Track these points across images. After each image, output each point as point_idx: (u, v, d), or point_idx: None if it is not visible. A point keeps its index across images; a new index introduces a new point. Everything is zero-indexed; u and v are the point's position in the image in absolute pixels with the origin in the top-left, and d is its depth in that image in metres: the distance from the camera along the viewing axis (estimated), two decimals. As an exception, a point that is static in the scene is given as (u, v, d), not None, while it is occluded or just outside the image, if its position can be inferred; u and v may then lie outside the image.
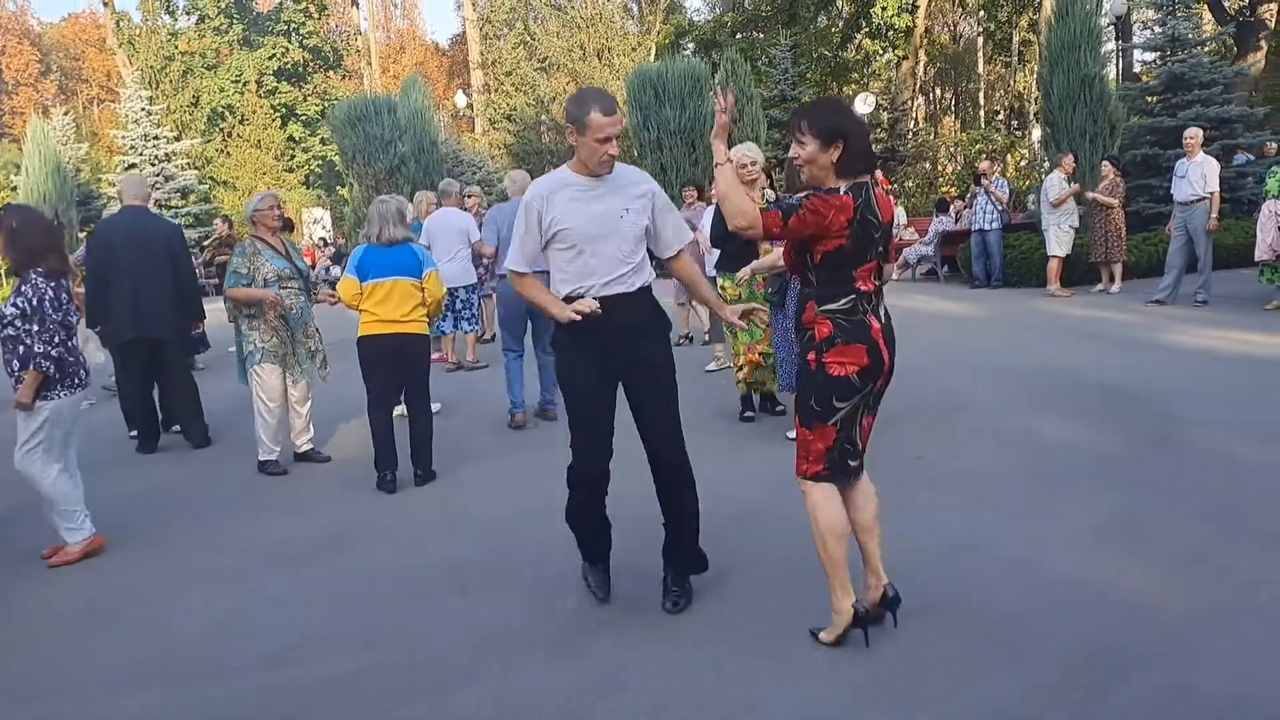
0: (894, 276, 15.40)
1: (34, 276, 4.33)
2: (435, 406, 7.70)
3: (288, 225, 10.86)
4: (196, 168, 30.17)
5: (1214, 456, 5.05)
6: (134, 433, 7.26)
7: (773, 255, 5.57)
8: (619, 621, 3.56)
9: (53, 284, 4.38)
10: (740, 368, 6.40)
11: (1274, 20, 24.64)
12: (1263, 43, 23.89)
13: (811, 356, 3.06)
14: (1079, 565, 3.76)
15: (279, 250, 6.01)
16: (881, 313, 3.12)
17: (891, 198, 3.15)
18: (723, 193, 3.10)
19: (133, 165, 25.81)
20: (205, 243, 15.06)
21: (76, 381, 4.49)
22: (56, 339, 4.35)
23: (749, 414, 6.56)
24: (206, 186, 30.19)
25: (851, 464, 3.22)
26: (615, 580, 3.79)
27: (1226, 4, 24.32)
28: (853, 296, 3.03)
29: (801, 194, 3.03)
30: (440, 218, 8.92)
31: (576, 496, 3.62)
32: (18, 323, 4.26)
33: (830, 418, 3.07)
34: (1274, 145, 9.54)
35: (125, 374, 6.85)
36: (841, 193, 2.97)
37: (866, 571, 3.30)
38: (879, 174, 21.88)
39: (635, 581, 3.81)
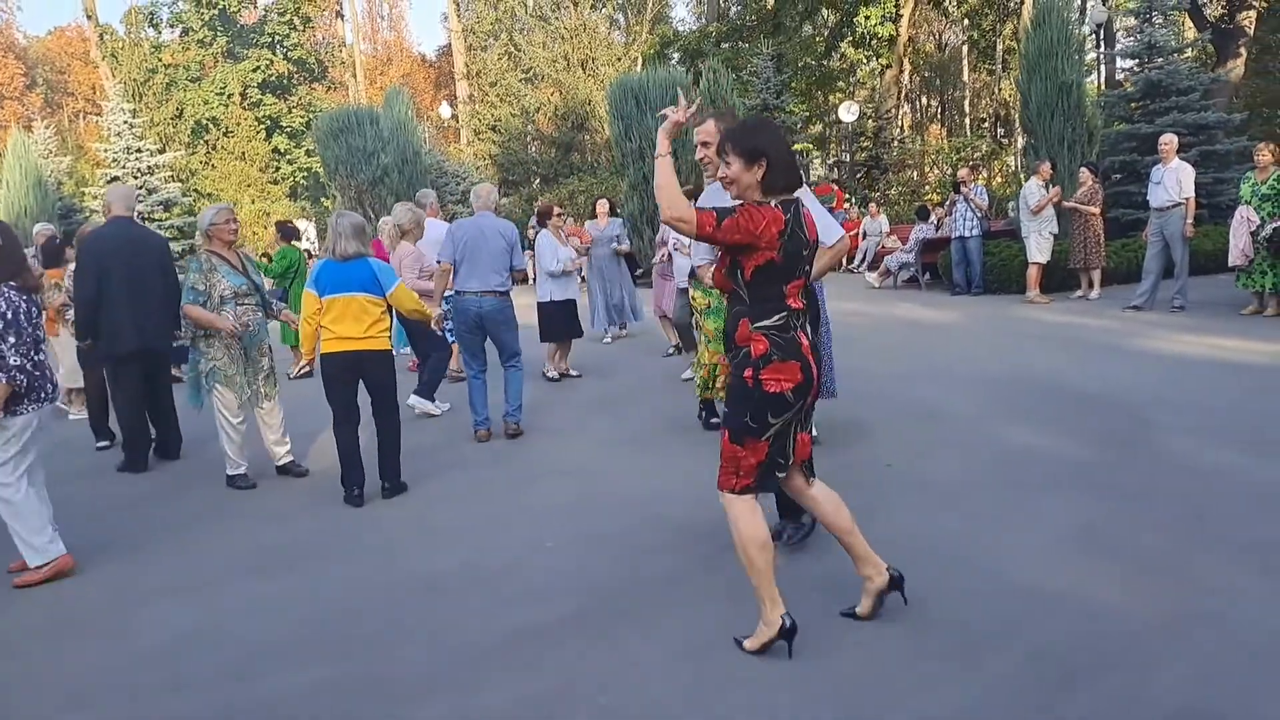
0: (875, 285, 15.45)
1: (8, 290, 4.31)
2: (445, 407, 7.79)
3: (293, 234, 10.87)
4: (180, 180, 30.08)
5: (1184, 464, 5.06)
6: (103, 444, 7.21)
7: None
8: (581, 635, 3.54)
9: (25, 298, 4.37)
10: (699, 368, 6.32)
11: (1253, 27, 24.84)
12: (1242, 49, 24.08)
13: (748, 373, 3.09)
14: (1043, 573, 3.76)
15: (235, 266, 5.92)
16: (809, 332, 3.20)
17: (811, 215, 3.21)
18: (660, 184, 3.14)
19: (116, 178, 25.66)
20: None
21: (44, 395, 4.46)
22: (31, 352, 4.34)
23: (716, 419, 6.55)
24: (190, 199, 30.09)
25: (779, 475, 3.28)
26: (580, 594, 3.77)
27: (1206, 11, 24.51)
28: (784, 313, 3.10)
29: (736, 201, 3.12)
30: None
31: None
32: None
33: (764, 433, 3.13)
34: (1269, 153, 9.53)
35: (119, 387, 6.72)
36: (773, 206, 3.06)
37: (861, 564, 3.41)
38: (835, 188, 22.05)
39: (604, 596, 3.80)
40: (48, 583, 4.48)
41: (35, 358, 4.41)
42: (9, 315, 4.25)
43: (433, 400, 7.73)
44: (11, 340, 4.25)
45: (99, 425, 7.36)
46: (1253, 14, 24.87)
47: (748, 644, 3.27)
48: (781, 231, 3.01)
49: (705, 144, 4.34)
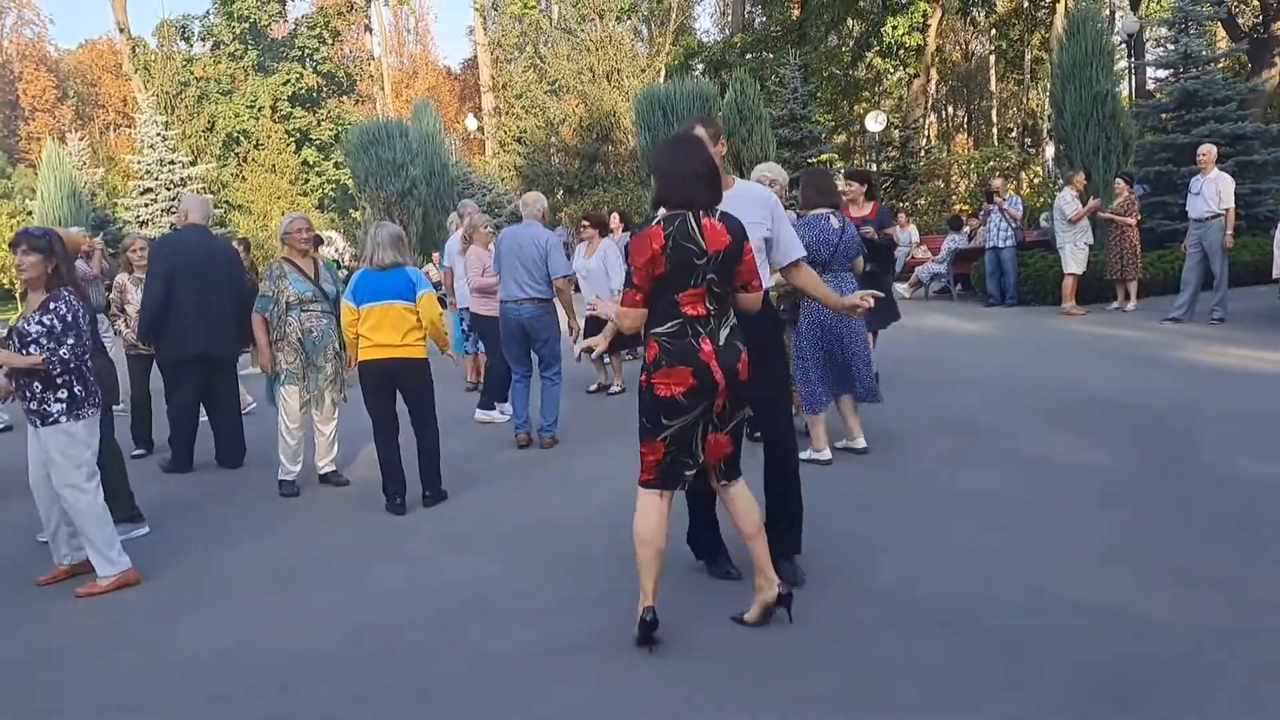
0: (905, 295, 15.33)
1: (67, 294, 4.35)
2: (499, 414, 7.82)
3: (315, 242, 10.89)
4: (212, 192, 30.35)
5: (1228, 476, 4.96)
6: (139, 452, 7.23)
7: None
8: (622, 648, 3.48)
9: (80, 301, 4.41)
10: None
11: (1287, 36, 24.52)
12: (1277, 59, 23.79)
13: (643, 378, 3.35)
14: (1089, 587, 3.68)
15: (306, 273, 6.00)
16: (722, 335, 3.30)
17: (722, 225, 3.29)
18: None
19: (149, 190, 26.00)
20: None
21: (97, 401, 4.49)
22: (87, 356, 4.41)
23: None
24: (221, 211, 30.37)
25: (686, 474, 3.41)
26: (617, 607, 3.72)
27: (1240, 21, 24.25)
28: (679, 320, 3.27)
29: None
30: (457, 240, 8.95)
31: None
32: (42, 340, 4.25)
33: (659, 434, 3.32)
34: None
35: (176, 389, 6.78)
36: (654, 224, 3.29)
37: (756, 574, 3.49)
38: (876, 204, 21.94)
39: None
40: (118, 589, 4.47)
41: (89, 362, 4.46)
42: (69, 318, 4.30)
43: (494, 408, 7.85)
44: (70, 341, 4.29)
45: (140, 434, 7.40)
46: (1287, 22, 24.57)
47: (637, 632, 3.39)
48: (663, 246, 3.21)
49: None
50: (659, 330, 3.28)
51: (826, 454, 5.68)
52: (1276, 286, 9.76)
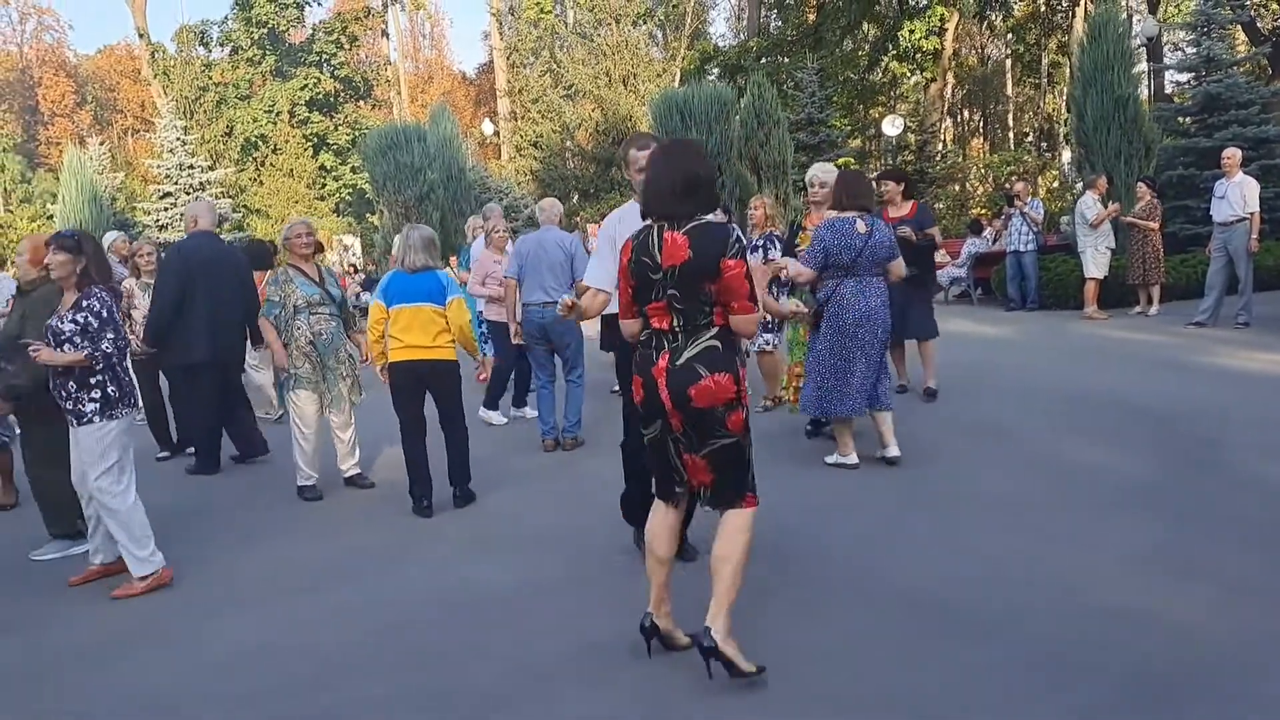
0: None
1: (98, 291, 4.38)
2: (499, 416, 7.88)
3: (317, 248, 10.84)
4: (230, 196, 30.54)
5: (1258, 483, 4.90)
6: (164, 454, 7.27)
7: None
8: (655, 653, 3.46)
9: (114, 299, 4.46)
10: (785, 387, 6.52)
11: (1309, 40, 24.35)
12: (1297, 62, 23.60)
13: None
14: (1125, 593, 3.64)
15: (311, 277, 6.03)
16: (685, 355, 3.13)
17: (685, 239, 3.11)
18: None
19: (168, 194, 26.18)
20: None
21: (133, 401, 4.51)
22: (122, 357, 4.44)
23: (817, 431, 6.55)
24: (240, 215, 30.56)
25: (677, 490, 3.33)
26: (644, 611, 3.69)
27: (1260, 24, 24.08)
28: (648, 332, 3.25)
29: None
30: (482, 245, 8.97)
31: None
32: (76, 338, 4.27)
33: (644, 438, 3.35)
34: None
35: (192, 394, 6.81)
36: (631, 237, 3.29)
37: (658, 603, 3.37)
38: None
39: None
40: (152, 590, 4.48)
41: (123, 362, 4.48)
42: (104, 314, 4.34)
43: (497, 408, 7.87)
44: (110, 336, 4.32)
45: (160, 435, 7.44)
46: (1309, 26, 24.40)
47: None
48: (629, 260, 3.23)
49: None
50: (641, 336, 3.30)
51: (852, 458, 5.65)
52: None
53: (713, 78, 30.62)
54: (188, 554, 4.99)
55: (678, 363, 3.13)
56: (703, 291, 3.11)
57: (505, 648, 3.62)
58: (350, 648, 3.73)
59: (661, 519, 3.37)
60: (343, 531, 5.33)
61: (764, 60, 31.59)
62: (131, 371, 4.64)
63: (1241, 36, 23.59)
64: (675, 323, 3.15)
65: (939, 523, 4.63)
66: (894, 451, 5.66)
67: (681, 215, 3.15)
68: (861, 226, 5.51)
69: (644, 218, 3.27)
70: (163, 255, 7.21)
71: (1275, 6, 26.04)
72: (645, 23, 34.11)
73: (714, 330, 3.15)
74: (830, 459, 5.74)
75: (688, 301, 3.12)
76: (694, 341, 3.14)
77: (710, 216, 3.21)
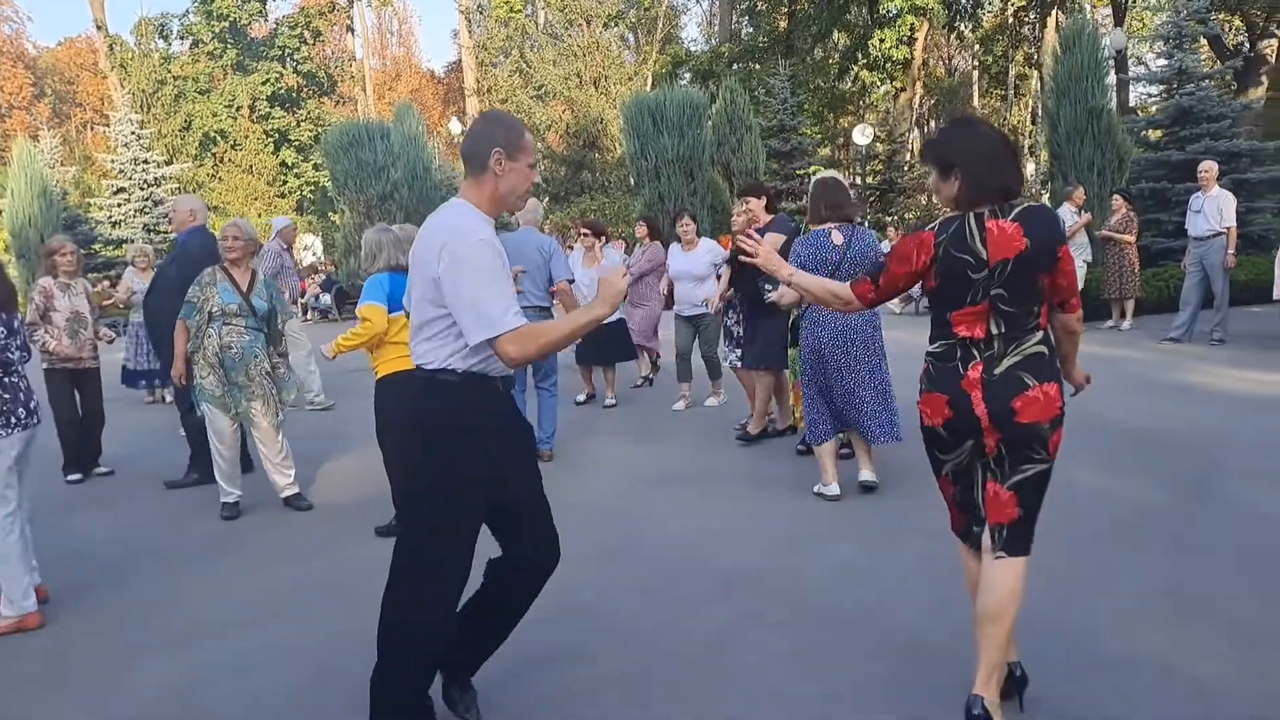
0: (896, 310, 15.09)
1: None
2: None
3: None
4: (187, 192, 29.85)
5: (1262, 513, 4.68)
6: (75, 476, 6.75)
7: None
8: (633, 698, 3.16)
9: (3, 315, 4.02)
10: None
11: (1274, 55, 24.62)
12: (1263, 78, 23.86)
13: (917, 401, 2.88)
14: (1138, 642, 3.37)
15: (238, 284, 5.60)
16: (1005, 364, 2.68)
17: (1017, 225, 2.65)
18: (812, 293, 3.12)
19: (122, 189, 25.47)
20: None
21: (14, 421, 4.04)
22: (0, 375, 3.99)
23: (801, 447, 6.32)
24: (210, 212, 29.88)
25: (975, 529, 2.89)
26: (625, 650, 3.39)
27: (1225, 40, 24.29)
28: (949, 341, 2.77)
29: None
30: None
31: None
32: None
33: (939, 469, 2.92)
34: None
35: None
36: (925, 229, 2.77)
37: (979, 667, 2.75)
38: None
39: (651, 654, 3.41)
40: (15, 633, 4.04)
41: (4, 379, 4.03)
42: None
43: None
44: None
45: (71, 455, 6.82)
46: (1274, 43, 24.68)
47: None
48: (931, 258, 2.74)
49: None
50: (931, 349, 2.82)
51: (833, 488, 5.30)
52: (1278, 307, 9.55)
53: (684, 82, 30.45)
54: (106, 583, 4.60)
55: (996, 372, 2.68)
56: (1034, 287, 2.69)
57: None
58: (294, 691, 3.37)
59: (970, 566, 2.91)
60: (283, 559, 4.92)
61: (735, 66, 31.48)
62: (21, 386, 4.11)
63: (1208, 51, 23.76)
64: (994, 328, 2.69)
65: (929, 558, 4.34)
66: (869, 477, 5.36)
67: (1010, 195, 2.70)
68: (838, 238, 5.23)
69: (963, 207, 2.72)
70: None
71: (1239, 22, 26.32)
72: (617, 25, 33.87)
73: (1039, 334, 2.72)
74: (816, 488, 5.44)
75: (1017, 301, 2.68)
76: (1016, 348, 2.69)
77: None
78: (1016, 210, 2.68)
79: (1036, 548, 4.20)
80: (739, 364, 6.98)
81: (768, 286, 6.39)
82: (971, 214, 2.69)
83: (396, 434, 3.94)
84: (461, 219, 2.68)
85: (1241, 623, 3.47)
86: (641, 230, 9.46)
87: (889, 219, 23.51)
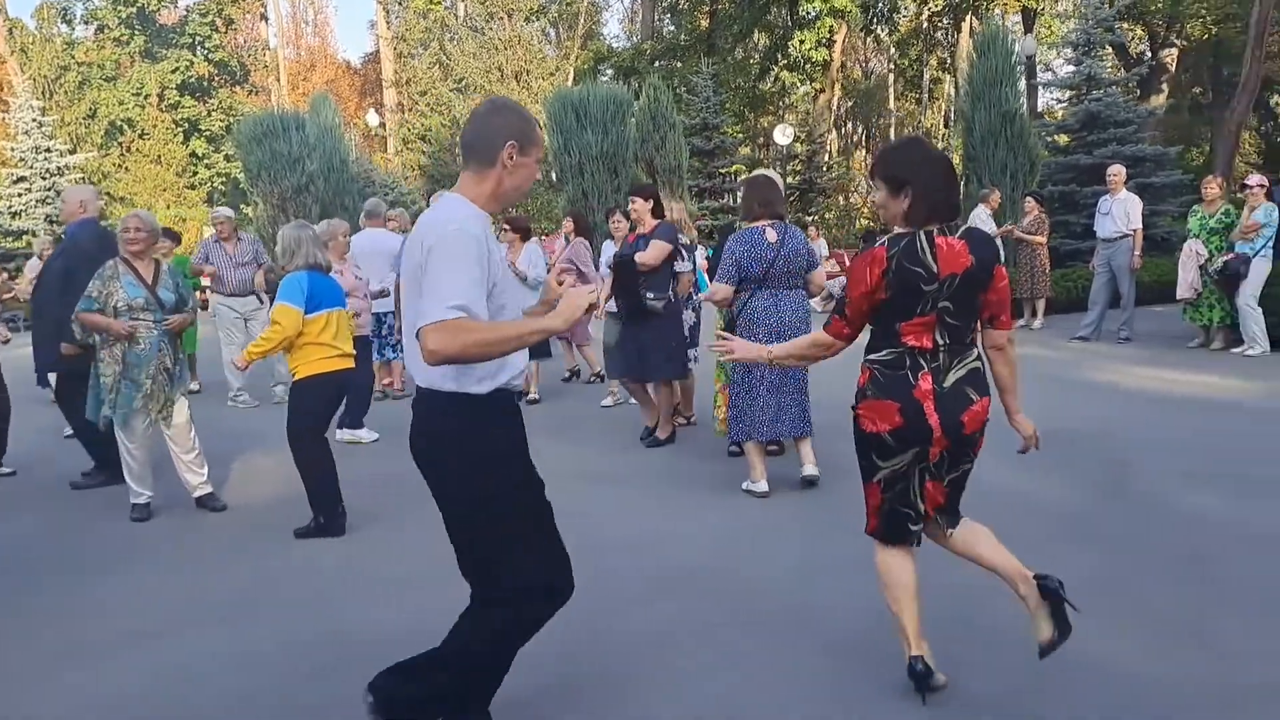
0: (817, 309, 15.28)
1: None
2: (373, 436, 7.36)
3: (172, 238, 10.04)
4: (92, 182, 28.72)
5: (1171, 509, 4.83)
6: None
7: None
8: (566, 708, 3.11)
9: None
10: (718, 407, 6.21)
11: (1174, 64, 25.60)
12: (1164, 85, 24.79)
13: (852, 407, 2.93)
14: (1072, 638, 3.43)
15: (143, 278, 5.36)
16: (952, 377, 2.82)
17: (963, 243, 2.79)
18: (791, 355, 3.18)
19: (23, 178, 24.42)
20: None
21: None
22: None
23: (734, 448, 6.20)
24: (103, 202, 28.78)
25: (911, 528, 2.96)
26: (556, 659, 3.34)
27: (1129, 48, 25.17)
28: (898, 350, 2.83)
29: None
30: (369, 240, 8.41)
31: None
32: None
33: (873, 475, 2.93)
34: (1217, 187, 9.63)
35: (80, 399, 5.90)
36: (877, 245, 2.82)
37: (1016, 582, 2.99)
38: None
39: (584, 662, 3.37)
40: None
41: None
42: None
43: (362, 427, 7.27)
44: None
45: None
46: (1174, 52, 25.66)
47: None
48: (884, 270, 2.79)
49: None
50: (874, 357, 2.88)
51: (762, 485, 5.34)
52: (1181, 308, 9.92)
53: (606, 78, 30.39)
54: (21, 589, 4.39)
55: (945, 385, 2.80)
56: (975, 303, 2.83)
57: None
58: (203, 709, 3.24)
59: (899, 559, 2.98)
60: (199, 564, 4.73)
61: (658, 64, 31.53)
62: None
63: (1114, 59, 24.59)
64: (940, 339, 2.80)
65: (858, 553, 4.37)
66: (812, 471, 5.41)
67: (955, 216, 2.83)
68: (772, 235, 5.25)
69: (914, 224, 2.78)
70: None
71: (1142, 31, 27.31)
72: (539, 19, 33.63)
73: (975, 349, 2.89)
74: (745, 485, 5.46)
75: (961, 315, 2.80)
76: (960, 361, 2.83)
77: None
78: (960, 231, 2.83)
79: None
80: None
81: (650, 295, 6.40)
82: (922, 231, 2.77)
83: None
84: (448, 210, 2.49)
85: (1158, 618, 3.57)
86: (568, 225, 9.39)
87: (809, 218, 23.79)
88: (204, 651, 3.67)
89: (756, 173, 5.86)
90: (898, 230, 2.82)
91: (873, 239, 16.10)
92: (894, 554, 2.98)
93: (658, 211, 6.77)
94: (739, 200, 5.79)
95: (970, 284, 2.77)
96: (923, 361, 2.80)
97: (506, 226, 8.39)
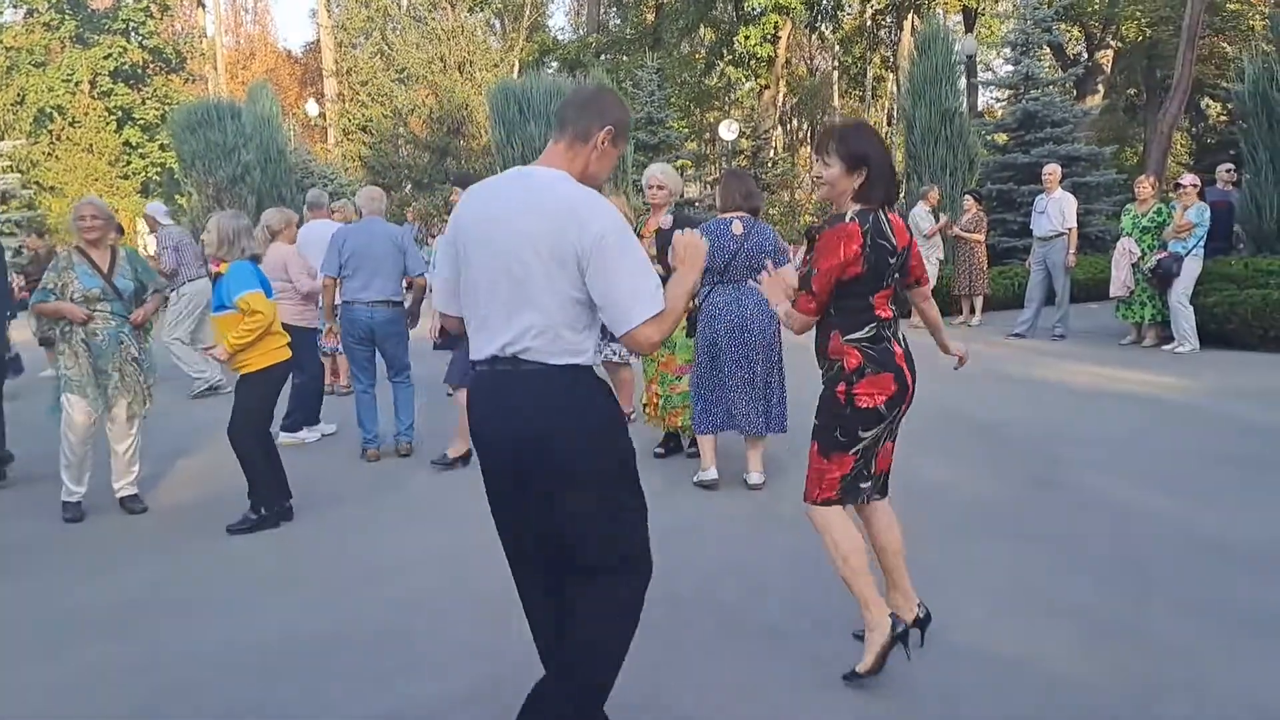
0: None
1: None
2: (331, 428, 7.27)
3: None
4: (20, 171, 27.83)
5: (1101, 505, 4.89)
6: None
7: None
8: (462, 711, 3.03)
9: None
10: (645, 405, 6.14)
11: (1109, 65, 26.11)
12: (1100, 85, 25.27)
13: (840, 389, 3.01)
14: (988, 636, 3.45)
15: (98, 266, 5.21)
16: (902, 336, 3.10)
17: (898, 219, 3.10)
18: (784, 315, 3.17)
19: (-57, 165, 23.57)
20: (24, 265, 13.18)
21: None
22: None
23: (660, 449, 6.21)
24: (30, 192, 27.88)
25: (863, 486, 3.13)
26: (483, 664, 3.26)
27: (1066, 49, 25.61)
28: (874, 324, 3.01)
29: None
30: (314, 231, 8.22)
31: None
32: None
33: (852, 447, 3.04)
34: (1150, 186, 9.79)
35: None
36: (847, 221, 2.94)
37: (895, 594, 3.19)
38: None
39: (512, 668, 3.29)
40: None
41: None
42: None
43: (301, 429, 7.07)
44: None
45: None
46: (1110, 53, 26.17)
47: (860, 668, 3.04)
48: (861, 245, 2.93)
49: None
50: (857, 336, 2.98)
51: (711, 473, 5.35)
52: (1115, 305, 10.09)
53: (551, 71, 30.18)
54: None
55: (904, 345, 3.10)
56: (909, 272, 3.21)
57: (307, 716, 3.09)
58: (118, 716, 3.12)
59: (849, 524, 3.11)
60: (123, 565, 4.57)
61: (603, 57, 31.38)
62: None
63: (1051, 59, 25.00)
64: (893, 309, 3.06)
65: (793, 548, 4.36)
66: (756, 479, 5.37)
67: (892, 200, 3.08)
68: (738, 228, 5.21)
69: (871, 202, 2.98)
70: None
71: (1079, 32, 27.81)
72: (482, 10, 33.30)
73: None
74: (695, 477, 5.44)
75: (901, 284, 3.18)
76: (897, 325, 3.10)
77: None
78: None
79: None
80: (614, 357, 6.81)
81: None
82: (880, 208, 2.99)
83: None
84: (583, 191, 2.42)
85: (1084, 616, 3.59)
86: None
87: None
88: (120, 656, 3.53)
89: (735, 167, 5.86)
90: (860, 207, 2.95)
91: (814, 235, 16.24)
92: (841, 518, 3.09)
93: None
94: (715, 191, 5.76)
95: (908, 255, 3.11)
96: (890, 331, 3.03)
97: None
